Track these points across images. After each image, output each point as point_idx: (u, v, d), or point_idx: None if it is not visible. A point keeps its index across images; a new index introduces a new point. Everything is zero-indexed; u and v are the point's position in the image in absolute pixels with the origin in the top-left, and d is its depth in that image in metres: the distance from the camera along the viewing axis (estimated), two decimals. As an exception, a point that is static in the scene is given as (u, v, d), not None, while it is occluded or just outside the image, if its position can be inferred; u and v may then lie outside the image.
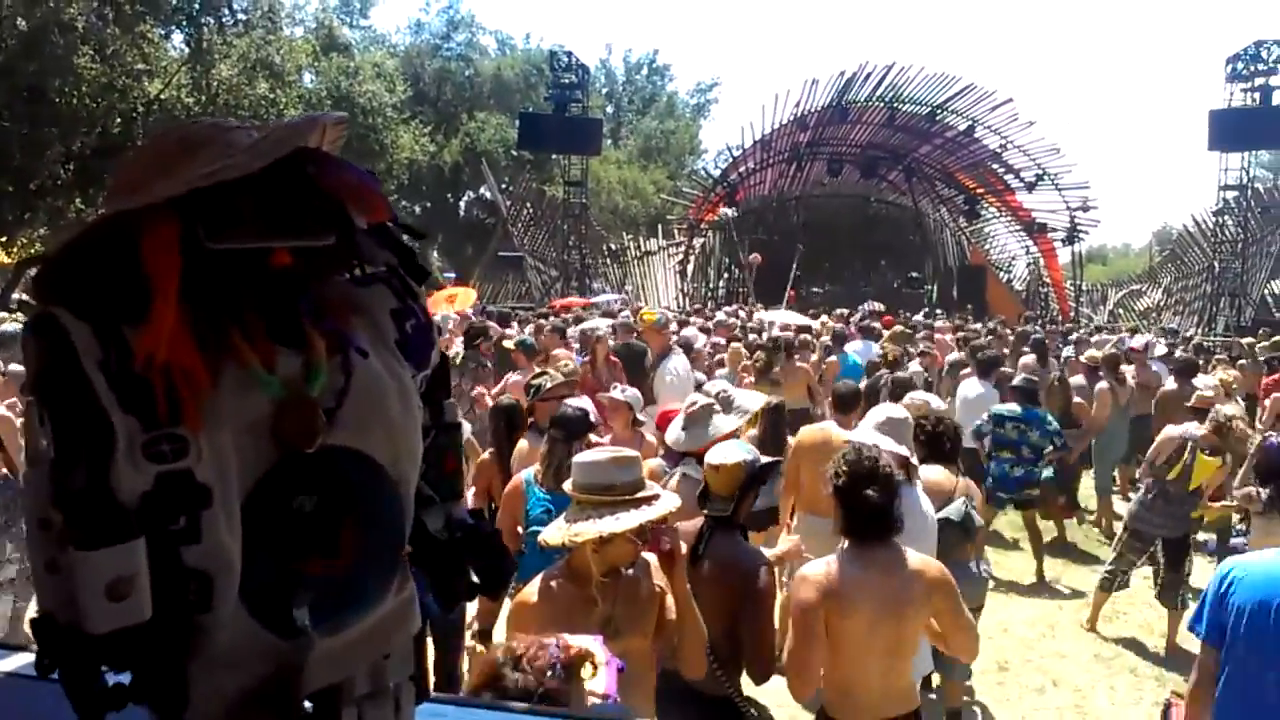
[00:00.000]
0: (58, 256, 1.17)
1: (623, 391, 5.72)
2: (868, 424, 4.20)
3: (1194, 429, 6.42)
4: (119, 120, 20.80)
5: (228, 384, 1.15)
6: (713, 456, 3.29)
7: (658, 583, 2.99)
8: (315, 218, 1.21)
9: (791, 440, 5.90)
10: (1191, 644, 6.28)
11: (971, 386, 8.77)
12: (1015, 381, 8.00)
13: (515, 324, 13.55)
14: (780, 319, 14.40)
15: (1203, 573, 6.78)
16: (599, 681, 2.12)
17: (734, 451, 3.24)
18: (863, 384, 7.50)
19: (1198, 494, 6.33)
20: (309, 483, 1.21)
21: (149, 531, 1.08)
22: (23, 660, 1.77)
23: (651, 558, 3.04)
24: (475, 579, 1.47)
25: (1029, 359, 9.97)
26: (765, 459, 3.28)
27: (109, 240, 1.16)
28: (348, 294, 1.34)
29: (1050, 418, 7.74)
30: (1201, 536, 6.99)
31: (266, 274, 1.20)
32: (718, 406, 4.46)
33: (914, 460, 4.05)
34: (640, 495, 2.80)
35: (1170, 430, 6.58)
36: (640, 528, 2.75)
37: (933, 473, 4.68)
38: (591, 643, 2.17)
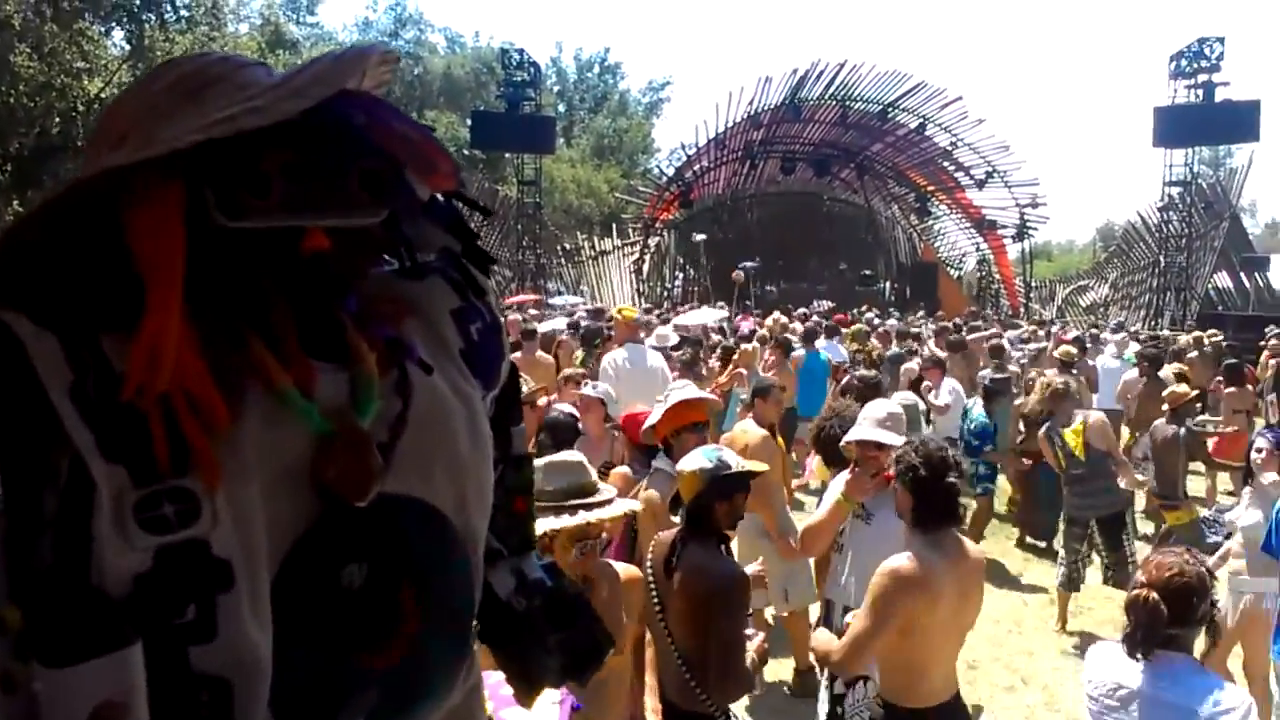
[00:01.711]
0: (8, 241, 0.84)
1: (594, 388, 5.57)
2: (867, 419, 4.12)
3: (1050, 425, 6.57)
4: (58, 120, 20.25)
5: (251, 417, 0.86)
6: (682, 463, 3.22)
7: (628, 596, 2.90)
8: (365, 185, 0.91)
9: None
10: None
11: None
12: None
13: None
14: (696, 320, 14.12)
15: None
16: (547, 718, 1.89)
17: (696, 458, 3.12)
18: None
19: (1100, 463, 6.34)
20: (360, 546, 0.92)
21: (146, 630, 0.79)
22: None
23: (622, 568, 2.97)
24: (560, 657, 1.16)
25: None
26: (736, 466, 3.12)
27: (84, 216, 0.85)
28: (397, 289, 1.04)
29: (975, 417, 7.80)
30: (1204, 513, 7.00)
31: (298, 262, 0.89)
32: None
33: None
34: (586, 501, 2.71)
35: (1040, 433, 6.70)
36: (583, 532, 2.66)
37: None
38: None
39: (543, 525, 2.58)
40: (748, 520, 4.43)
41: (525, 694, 1.20)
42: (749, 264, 17.55)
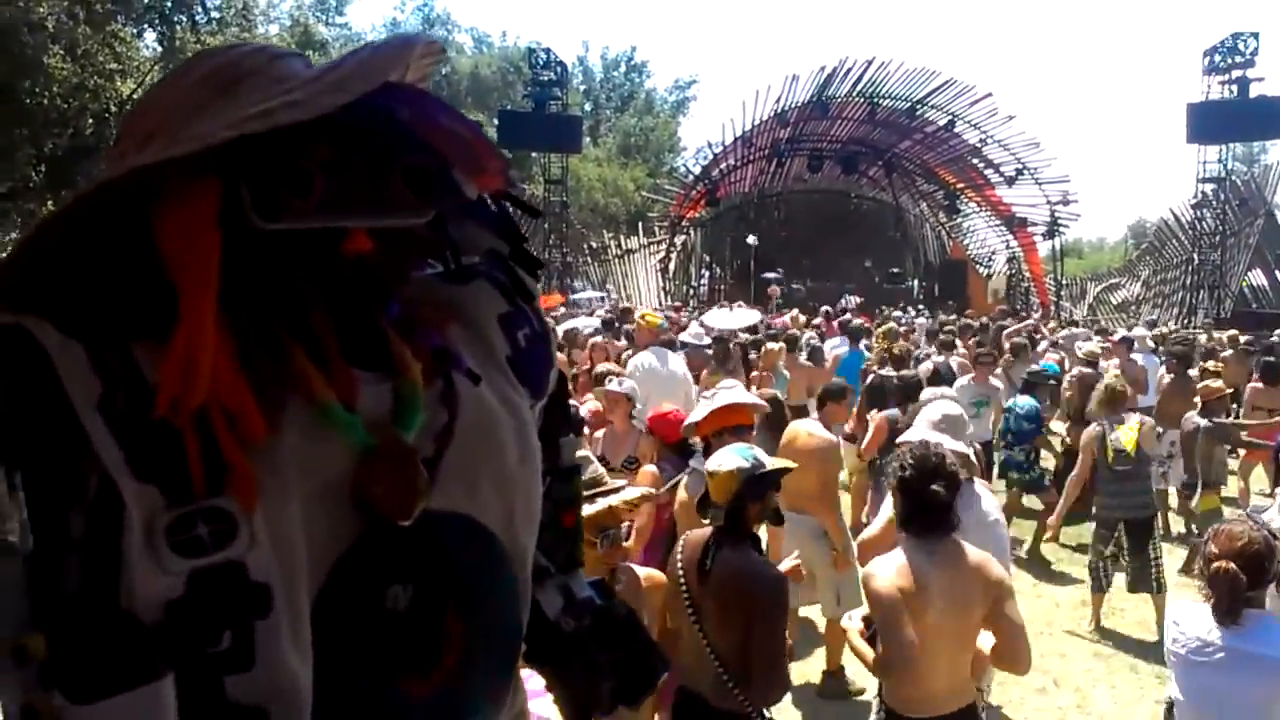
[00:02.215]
0: (32, 243, 0.79)
1: (620, 384, 5.54)
2: (923, 421, 4.07)
3: (1102, 422, 6.51)
4: (91, 121, 20.47)
5: (292, 430, 0.81)
6: (710, 463, 3.18)
7: (649, 598, 2.93)
8: (410, 183, 0.86)
9: None
10: None
11: None
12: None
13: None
14: (723, 322, 14.07)
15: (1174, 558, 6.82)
16: None
17: (730, 458, 3.09)
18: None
19: (1145, 466, 6.31)
20: (404, 567, 0.87)
21: (178, 660, 0.74)
22: None
23: (644, 571, 2.98)
24: (611, 680, 1.10)
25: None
26: (770, 465, 3.12)
27: (112, 217, 0.79)
28: (439, 293, 0.99)
29: (1022, 404, 7.78)
30: (1237, 513, 6.93)
31: (339, 266, 0.84)
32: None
33: (974, 458, 3.97)
34: (602, 489, 2.72)
35: (1088, 430, 6.60)
36: (604, 520, 2.67)
37: None
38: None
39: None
40: (801, 522, 4.39)
41: (574, 718, 1.14)
42: (774, 275, 17.56)
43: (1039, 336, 12.58)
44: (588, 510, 2.56)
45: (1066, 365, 10.31)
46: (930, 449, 3.09)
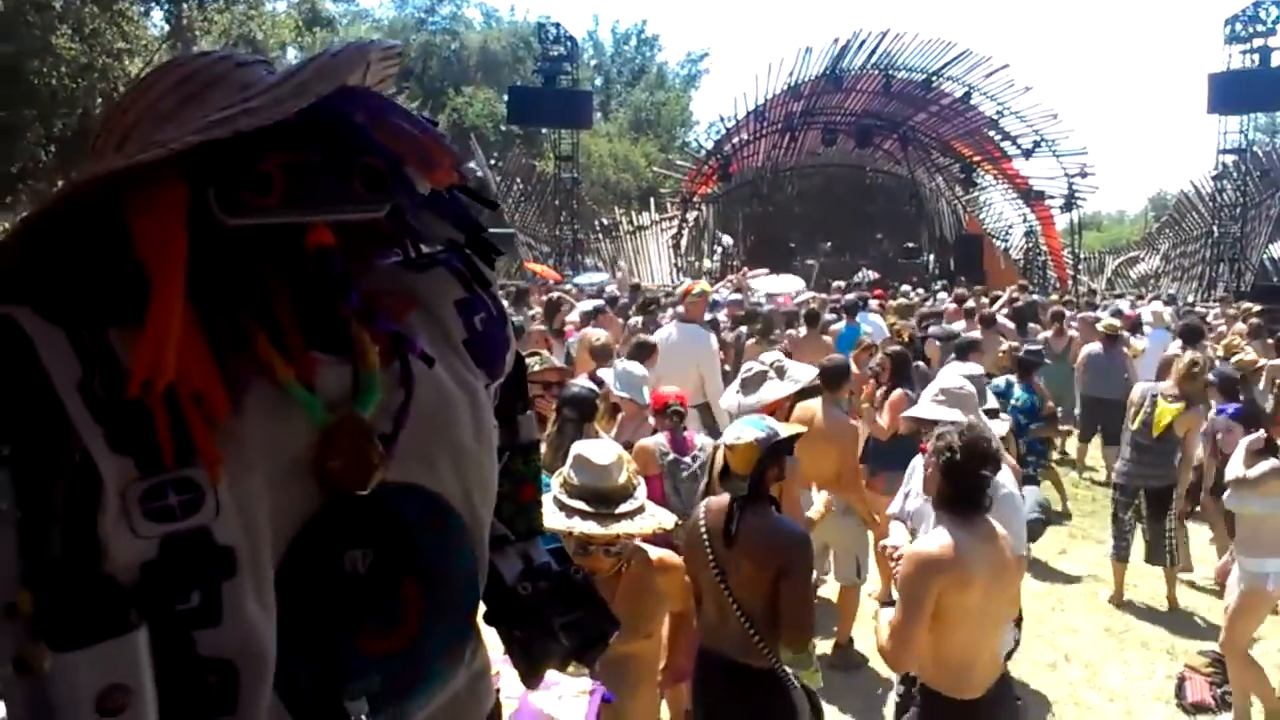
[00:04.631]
0: (16, 237, 0.87)
1: (617, 372, 5.46)
2: (928, 396, 4.02)
3: (1160, 384, 6.61)
4: (99, 100, 20.38)
5: (255, 409, 0.88)
6: (727, 436, 3.30)
7: (661, 579, 3.02)
8: (366, 181, 0.93)
9: None
10: (1195, 608, 6.26)
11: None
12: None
13: (506, 301, 13.26)
14: (769, 287, 13.98)
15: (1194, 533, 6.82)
16: (576, 712, 1.87)
17: (747, 430, 3.21)
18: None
19: (1170, 441, 6.33)
20: (362, 534, 0.95)
21: (152, 616, 0.82)
22: None
23: (656, 552, 3.07)
24: (565, 641, 1.17)
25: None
26: (784, 432, 3.26)
27: (88, 215, 0.87)
28: (400, 281, 1.07)
29: (1017, 395, 7.50)
30: None
31: (300, 258, 0.91)
32: (772, 374, 4.77)
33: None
34: (621, 510, 2.84)
35: (1138, 388, 6.75)
36: (618, 541, 2.82)
37: None
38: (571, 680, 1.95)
39: (580, 526, 2.74)
40: (821, 498, 4.44)
41: (529, 675, 1.20)
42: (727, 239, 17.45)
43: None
44: (599, 532, 2.73)
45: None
46: (978, 432, 3.10)
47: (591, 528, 2.75)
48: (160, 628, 0.82)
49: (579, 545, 2.76)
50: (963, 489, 3.02)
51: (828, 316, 10.01)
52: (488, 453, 1.07)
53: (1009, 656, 4.42)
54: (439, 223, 1.09)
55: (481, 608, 1.14)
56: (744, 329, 9.11)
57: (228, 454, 0.85)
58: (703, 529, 3.19)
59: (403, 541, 0.97)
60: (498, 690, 1.19)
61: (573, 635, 1.17)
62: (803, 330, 9.17)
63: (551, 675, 1.47)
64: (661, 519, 2.92)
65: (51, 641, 0.78)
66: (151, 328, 0.81)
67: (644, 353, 5.93)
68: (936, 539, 2.97)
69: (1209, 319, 13.19)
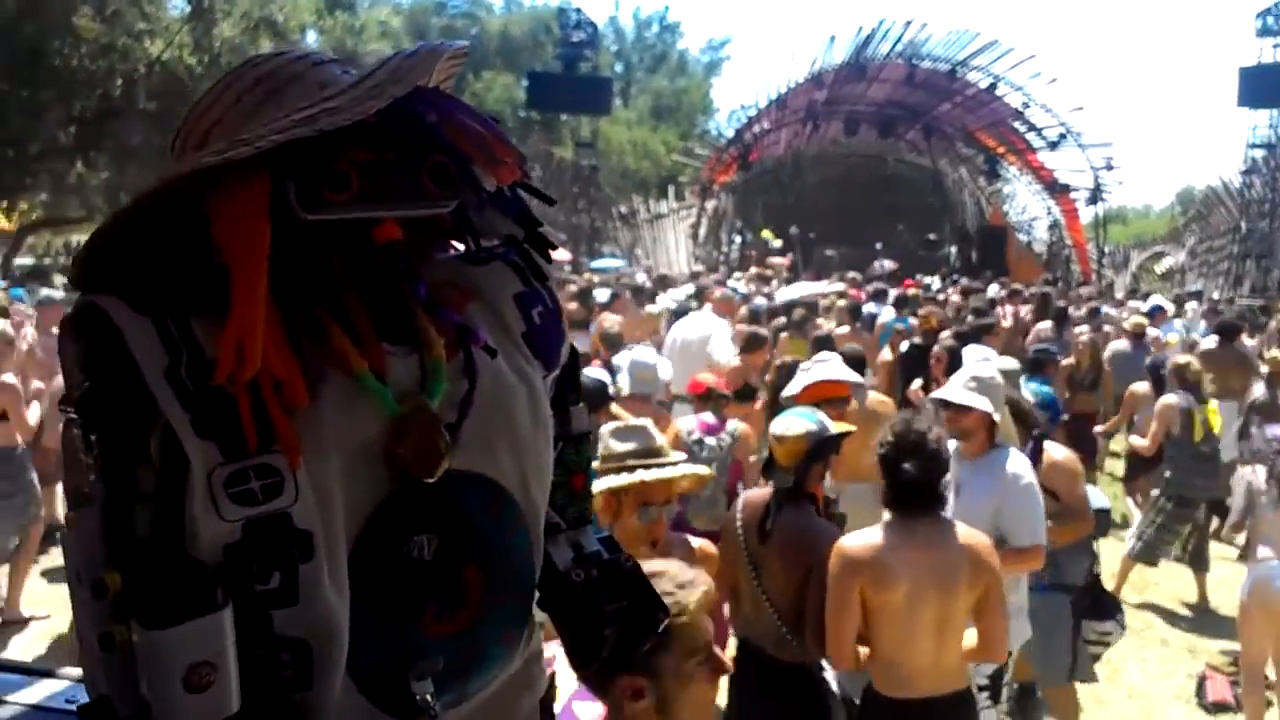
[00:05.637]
0: (104, 233, 0.93)
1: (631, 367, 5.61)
2: (956, 382, 3.91)
3: (1185, 396, 6.42)
4: (120, 82, 20.35)
5: (330, 398, 0.93)
6: (776, 426, 3.26)
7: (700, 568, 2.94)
8: (436, 178, 0.97)
9: None
10: (1222, 608, 6.10)
11: None
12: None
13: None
14: (796, 292, 13.85)
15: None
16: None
17: (798, 422, 3.18)
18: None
19: (1217, 447, 6.31)
20: (427, 520, 0.99)
21: (235, 595, 0.86)
22: (49, 688, 1.53)
23: (697, 541, 3.06)
24: (616, 627, 1.20)
25: (1045, 326, 9.74)
26: (834, 429, 3.22)
27: (172, 210, 0.91)
28: (462, 274, 1.11)
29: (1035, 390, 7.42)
30: None
31: (367, 251, 0.95)
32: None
33: (997, 420, 3.78)
34: (647, 461, 2.79)
35: (1167, 399, 6.51)
36: (646, 495, 2.73)
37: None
38: None
39: (603, 484, 2.69)
40: (857, 492, 4.43)
41: (582, 662, 1.24)
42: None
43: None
44: (626, 480, 2.71)
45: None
46: (912, 425, 3.03)
47: (654, 474, 2.72)
48: (240, 607, 0.86)
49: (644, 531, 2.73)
50: (891, 483, 2.97)
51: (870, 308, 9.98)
52: (544, 442, 1.10)
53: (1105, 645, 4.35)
54: (500, 218, 1.11)
55: (536, 595, 1.18)
56: (781, 319, 8.96)
57: (305, 441, 0.88)
58: (739, 522, 3.17)
59: (465, 527, 1.01)
60: (552, 674, 1.24)
61: (623, 621, 1.20)
62: (844, 328, 9.07)
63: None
64: (695, 468, 2.94)
65: (143, 619, 0.81)
66: (236, 318, 0.85)
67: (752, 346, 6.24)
68: (861, 536, 2.97)
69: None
